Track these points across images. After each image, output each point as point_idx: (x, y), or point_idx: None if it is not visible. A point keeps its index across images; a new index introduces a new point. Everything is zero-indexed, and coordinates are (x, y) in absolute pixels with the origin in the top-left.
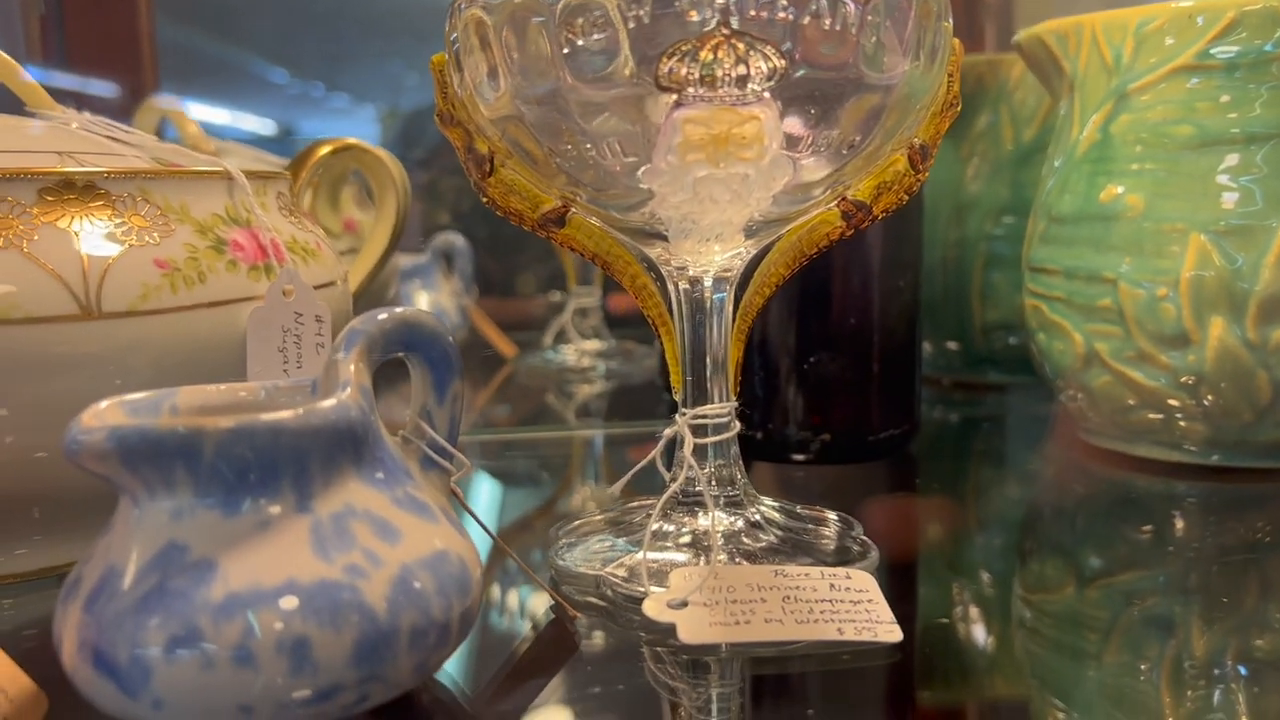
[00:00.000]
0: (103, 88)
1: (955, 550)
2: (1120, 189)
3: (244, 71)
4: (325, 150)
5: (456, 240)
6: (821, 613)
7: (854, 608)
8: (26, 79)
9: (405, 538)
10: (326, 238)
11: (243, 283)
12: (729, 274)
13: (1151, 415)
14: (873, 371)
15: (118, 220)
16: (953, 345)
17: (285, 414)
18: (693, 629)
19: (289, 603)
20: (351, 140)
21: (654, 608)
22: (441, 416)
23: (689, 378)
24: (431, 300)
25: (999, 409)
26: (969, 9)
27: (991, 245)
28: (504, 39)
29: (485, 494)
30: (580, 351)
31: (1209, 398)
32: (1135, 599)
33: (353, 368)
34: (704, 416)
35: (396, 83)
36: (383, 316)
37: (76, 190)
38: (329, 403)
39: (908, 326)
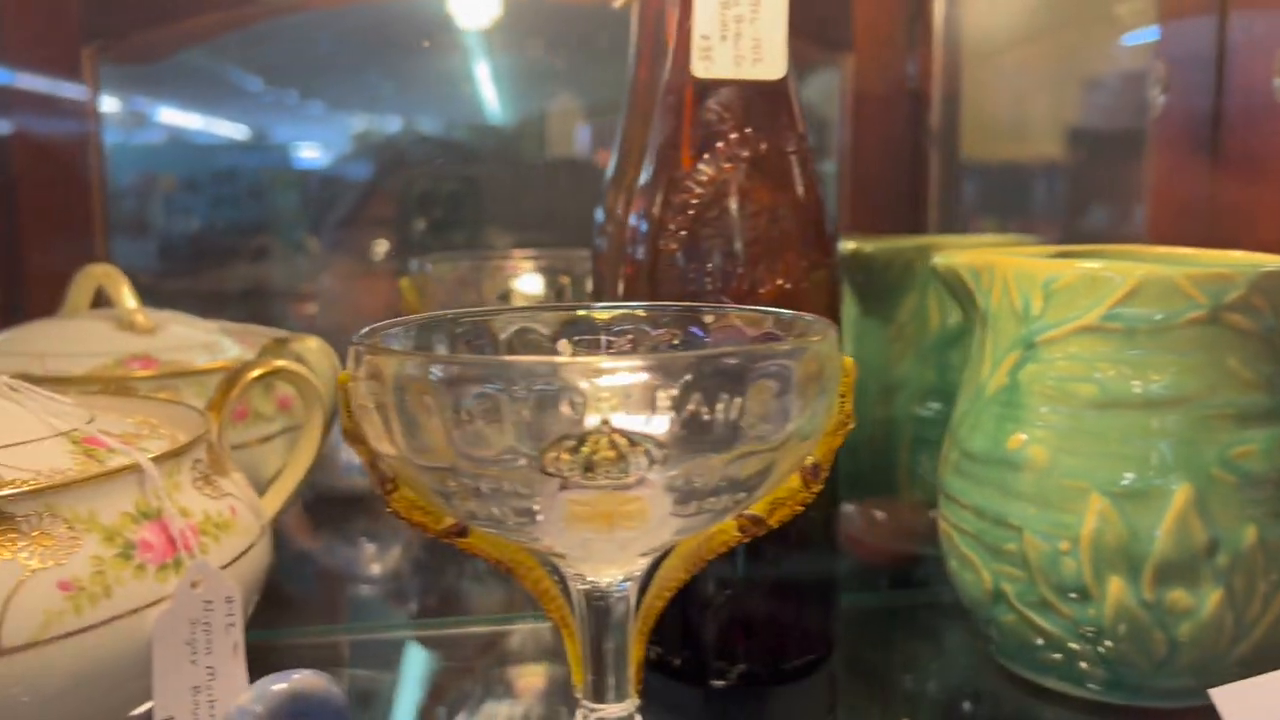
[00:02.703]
0: (74, 90)
1: None
2: (1025, 437)
3: (218, 78)
4: (255, 374)
5: None
6: None
7: None
8: None
9: None
10: (244, 488)
11: (150, 587)
12: (630, 578)
13: (1056, 655)
14: (790, 602)
15: (22, 544)
16: (878, 515)
17: None
18: None
19: None
20: (280, 362)
21: None
22: None
23: (590, 676)
24: None
25: (919, 596)
26: (911, 177)
27: (918, 427)
28: (394, 400)
29: None
30: None
31: (1108, 645)
32: None
33: None
34: (605, 717)
35: (373, 91)
36: (274, 688)
37: None
38: None
39: (826, 557)
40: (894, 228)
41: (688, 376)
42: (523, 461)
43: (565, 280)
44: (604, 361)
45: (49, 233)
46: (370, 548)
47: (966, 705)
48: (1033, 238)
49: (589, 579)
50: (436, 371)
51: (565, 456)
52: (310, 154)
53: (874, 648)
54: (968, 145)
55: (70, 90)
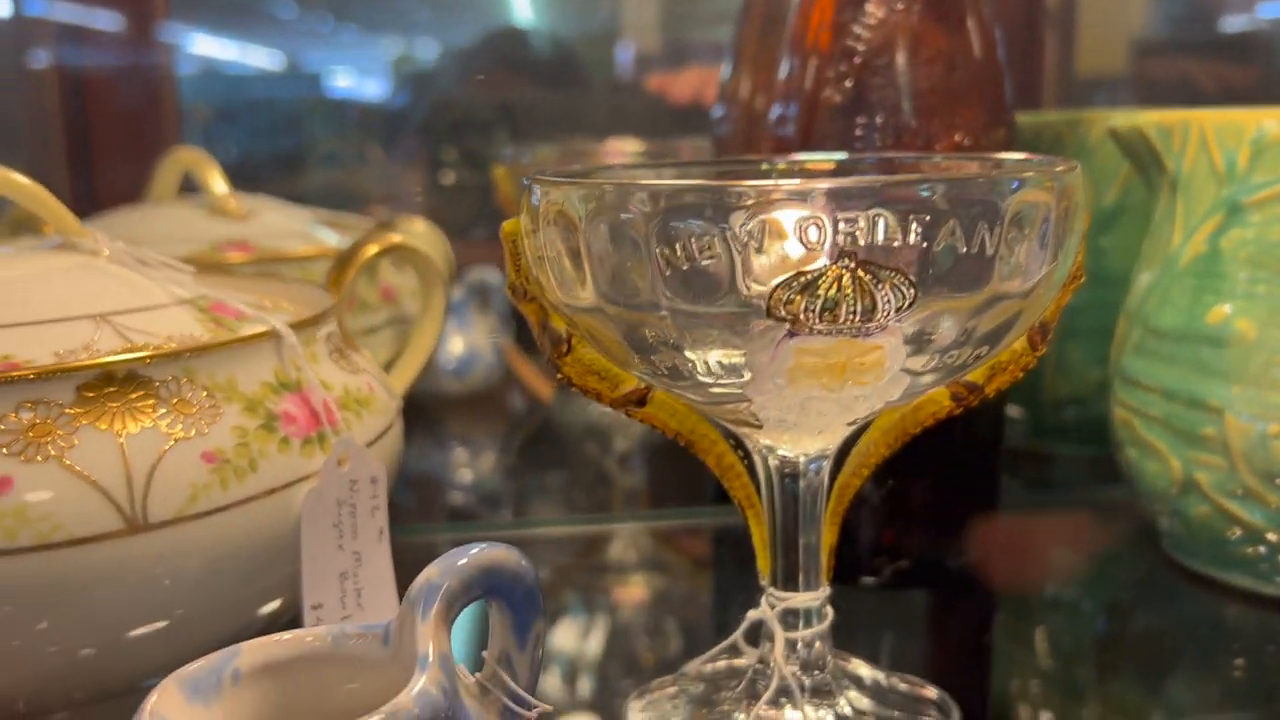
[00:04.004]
0: (109, 20)
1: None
2: (1229, 310)
3: (250, 6)
4: (372, 251)
5: (490, 278)
6: None
7: None
8: (50, 202)
9: None
10: (375, 366)
11: (296, 462)
12: (825, 454)
13: (1252, 549)
14: (952, 497)
15: (161, 410)
16: (1015, 413)
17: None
18: None
19: None
20: (398, 238)
21: None
22: (522, 661)
23: (779, 563)
24: (466, 341)
25: (1069, 497)
26: (1026, 59)
27: (1067, 316)
28: (590, 241)
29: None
30: None
31: None
32: None
33: (431, 638)
34: (795, 605)
35: (407, 18)
36: (463, 562)
37: (117, 382)
38: (412, 695)
39: (989, 449)
40: None
41: (942, 202)
42: (743, 303)
43: None
44: (846, 183)
45: (122, 165)
46: (464, 451)
47: (1143, 605)
48: None
49: (780, 453)
50: (645, 199)
51: (798, 297)
52: (345, 82)
53: (1034, 546)
54: (1087, 26)
55: (142, 20)
